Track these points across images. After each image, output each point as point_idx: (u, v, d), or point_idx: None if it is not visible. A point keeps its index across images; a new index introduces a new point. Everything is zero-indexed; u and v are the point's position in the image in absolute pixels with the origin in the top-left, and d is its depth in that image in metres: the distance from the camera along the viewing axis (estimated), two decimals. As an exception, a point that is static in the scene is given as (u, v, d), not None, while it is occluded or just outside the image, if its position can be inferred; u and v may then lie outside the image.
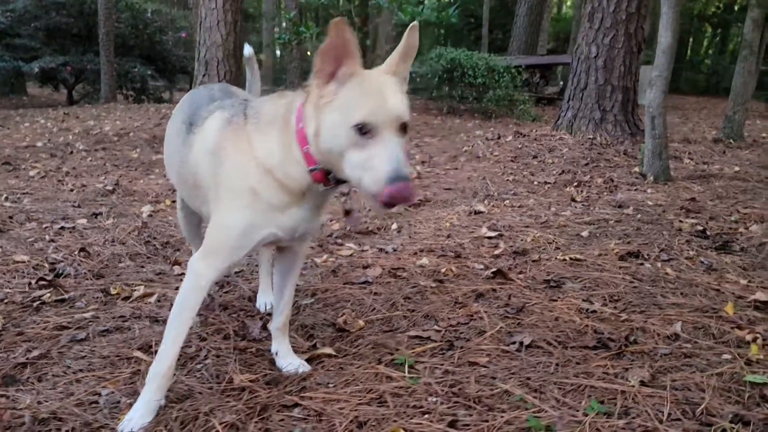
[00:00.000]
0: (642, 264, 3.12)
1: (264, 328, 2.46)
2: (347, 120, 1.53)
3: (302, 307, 2.68)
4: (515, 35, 19.77)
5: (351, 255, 3.46)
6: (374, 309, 2.59)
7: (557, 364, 2.03)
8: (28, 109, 13.54)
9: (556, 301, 2.61)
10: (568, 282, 2.85)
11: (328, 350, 2.20)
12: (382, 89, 1.57)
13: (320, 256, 3.33)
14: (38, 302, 2.77)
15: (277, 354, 2.15)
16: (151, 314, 2.63)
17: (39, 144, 8.13)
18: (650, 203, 4.59)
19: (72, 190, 5.32)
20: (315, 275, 3.10)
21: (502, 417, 1.70)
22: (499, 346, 2.18)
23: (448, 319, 2.45)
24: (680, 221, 4.00)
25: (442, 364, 2.05)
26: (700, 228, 3.77)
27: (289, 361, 2.11)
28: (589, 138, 6.97)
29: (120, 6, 17.60)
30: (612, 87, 7.10)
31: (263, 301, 2.74)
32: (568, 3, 36.85)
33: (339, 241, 3.79)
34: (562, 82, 18.60)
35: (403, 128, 1.56)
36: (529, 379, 1.94)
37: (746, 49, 8.28)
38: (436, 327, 2.36)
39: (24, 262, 3.31)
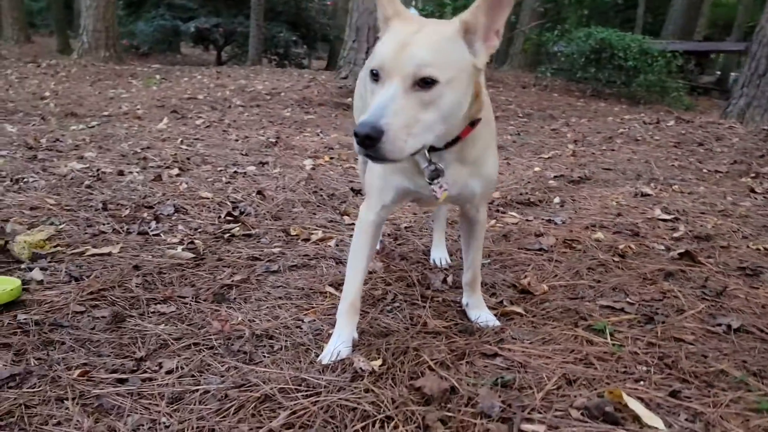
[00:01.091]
0: None
1: (444, 281, 2.48)
2: (367, 65, 1.51)
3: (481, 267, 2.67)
4: (671, 18, 18.61)
5: (517, 223, 3.41)
6: (556, 275, 2.54)
7: (770, 351, 1.90)
8: (183, 66, 14.38)
9: (757, 288, 2.43)
10: (766, 272, 2.65)
11: (517, 308, 2.18)
12: (407, 38, 1.39)
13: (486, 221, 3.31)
14: (228, 234, 2.95)
15: (467, 306, 2.16)
16: (334, 256, 2.72)
17: (200, 97, 8.63)
18: None
19: (237, 140, 5.61)
20: (485, 237, 3.08)
21: (725, 395, 1.62)
22: (704, 326, 2.06)
23: (639, 293, 2.35)
24: None
25: (644, 336, 1.97)
26: None
27: (480, 313, 2.11)
28: (764, 129, 6.44)
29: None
30: (795, 75, 6.51)
31: (437, 256, 2.76)
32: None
33: (500, 209, 3.75)
34: (719, 72, 17.33)
35: (423, 82, 1.35)
36: (745, 362, 1.82)
37: None
38: (628, 300, 2.27)
39: (209, 198, 3.53)
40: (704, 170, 5.18)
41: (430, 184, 1.67)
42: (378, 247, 2.80)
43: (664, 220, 3.53)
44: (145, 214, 3.15)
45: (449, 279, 2.49)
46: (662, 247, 3.00)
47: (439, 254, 2.77)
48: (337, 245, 2.91)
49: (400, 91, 1.36)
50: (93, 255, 2.53)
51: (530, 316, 2.14)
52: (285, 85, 9.88)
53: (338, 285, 2.36)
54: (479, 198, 1.88)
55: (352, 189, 4.03)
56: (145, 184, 3.73)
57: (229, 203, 3.49)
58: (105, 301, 2.13)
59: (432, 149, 1.62)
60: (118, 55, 13.56)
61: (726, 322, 2.06)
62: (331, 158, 5.06)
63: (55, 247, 2.57)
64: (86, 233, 2.80)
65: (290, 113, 7.80)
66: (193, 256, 2.59)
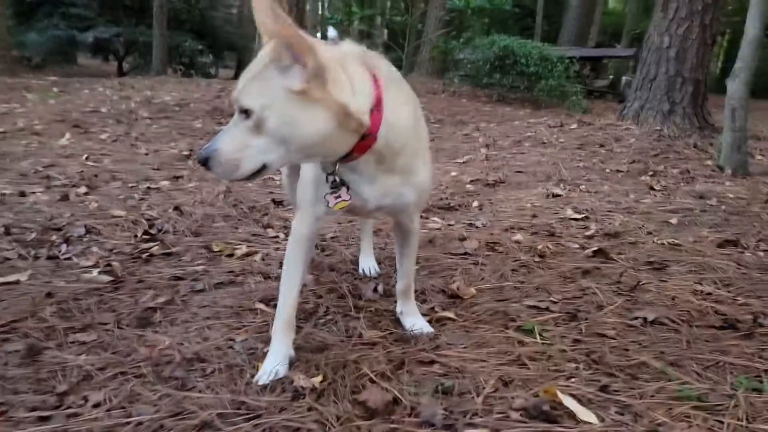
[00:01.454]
0: (742, 252, 3.07)
1: (375, 290, 2.49)
2: None
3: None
4: (566, 26, 19.51)
5: (440, 228, 3.47)
6: (483, 278, 2.60)
7: (688, 341, 2.01)
8: (81, 78, 13.74)
9: (665, 281, 2.58)
10: (672, 265, 2.82)
11: (448, 314, 2.22)
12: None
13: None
14: (147, 254, 2.84)
15: (402, 314, 2.17)
16: (261, 270, 2.67)
17: (103, 110, 8.26)
18: (731, 195, 4.50)
19: (147, 154, 5.41)
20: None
21: (649, 386, 1.70)
22: (623, 320, 2.16)
23: (561, 292, 2.44)
24: (766, 212, 3.93)
25: (569, 333, 2.05)
26: (795, 221, 3.69)
27: (414, 321, 2.12)
28: (657, 129, 6.85)
29: (173, -20, 17.74)
30: (683, 79, 6.95)
31: (366, 266, 2.76)
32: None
33: (423, 214, 3.80)
34: (612, 76, 18.30)
35: (243, 111, 1.45)
36: (662, 353, 1.92)
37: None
38: (551, 299, 2.36)
39: (122, 216, 3.39)
40: (607, 170, 5.45)
41: (330, 194, 1.70)
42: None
43: (576, 220, 3.69)
44: (54, 237, 2.98)
45: (380, 288, 2.50)
46: (576, 246, 3.13)
47: (368, 263, 2.77)
48: (263, 259, 2.86)
49: (234, 121, 1.49)
50: (-1, 284, 2.37)
51: (462, 321, 2.18)
52: (194, 95, 9.63)
53: (269, 301, 2.32)
54: (413, 207, 1.88)
55: (273, 201, 3.97)
56: (51, 204, 3.53)
57: (144, 221, 3.36)
58: (17, 333, 1.99)
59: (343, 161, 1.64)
60: (9, 67, 12.80)
61: (642, 315, 2.18)
62: (248, 170, 4.96)
63: (-46, 278, 2.39)
64: (-11, 260, 2.62)
65: (201, 125, 7.60)
66: (111, 279, 2.48)
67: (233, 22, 21.09)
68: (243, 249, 2.98)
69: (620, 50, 18.95)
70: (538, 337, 2.00)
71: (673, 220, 3.71)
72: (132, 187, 4.13)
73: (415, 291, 2.46)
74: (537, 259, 2.85)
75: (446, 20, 17.88)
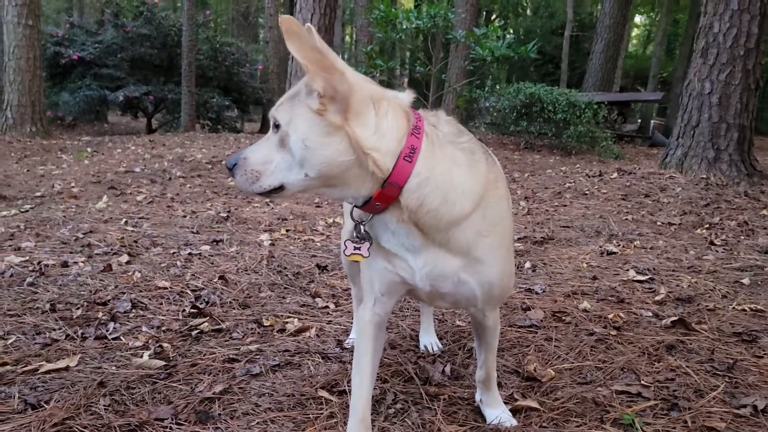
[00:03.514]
0: (831, 318, 2.85)
1: (443, 372, 2.31)
2: None
3: (473, 350, 2.51)
4: (591, 71, 19.49)
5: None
6: (559, 357, 2.41)
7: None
8: (112, 136, 13.95)
9: (761, 357, 2.37)
10: (763, 336, 2.60)
11: (531, 403, 2.03)
12: None
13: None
14: (197, 331, 2.70)
15: (482, 402, 1.99)
16: (318, 350, 2.51)
17: (137, 170, 8.30)
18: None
19: (185, 216, 5.34)
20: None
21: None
22: (729, 409, 1.96)
23: (650, 373, 2.24)
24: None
25: (674, 428, 1.84)
26: None
27: (496, 413, 1.94)
28: (703, 178, 6.65)
29: (200, 39, 18.12)
30: (727, 125, 6.78)
31: (427, 342, 2.59)
32: (634, 41, 36.37)
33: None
34: (640, 120, 18.16)
35: (275, 125, 1.50)
36: (784, 448, 1.72)
37: None
38: (642, 382, 2.16)
39: (167, 288, 3.27)
40: (658, 223, 5.25)
41: (352, 241, 1.60)
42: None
43: (640, 281, 3.49)
44: (100, 314, 2.86)
45: (447, 369, 2.32)
46: (650, 314, 2.93)
47: (430, 339, 2.60)
48: (318, 335, 2.70)
49: (268, 134, 1.52)
50: (48, 371, 2.23)
51: (547, 411, 1.99)
52: (225, 152, 9.66)
53: (331, 387, 2.16)
54: (482, 302, 1.66)
55: (317, 266, 3.84)
56: (94, 275, 3.43)
57: (189, 292, 3.24)
58: (71, 432, 1.85)
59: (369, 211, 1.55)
60: (45, 129, 13.01)
61: (750, 403, 1.97)
62: (288, 231, 4.86)
63: (2, 365, 2.26)
64: (36, 343, 2.49)
65: (234, 182, 7.56)
66: (164, 363, 2.33)
67: (258, 78, 21.40)
68: (294, 323, 2.83)
69: (647, 94, 18.85)
70: (640, 432, 1.80)
71: (745, 280, 3.49)
72: (173, 253, 4.02)
73: (463, 366, 2.29)
74: (613, 332, 2.65)
75: (470, 69, 17.95)
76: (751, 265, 3.87)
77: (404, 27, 14.65)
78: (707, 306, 3.00)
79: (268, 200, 2.23)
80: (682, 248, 4.37)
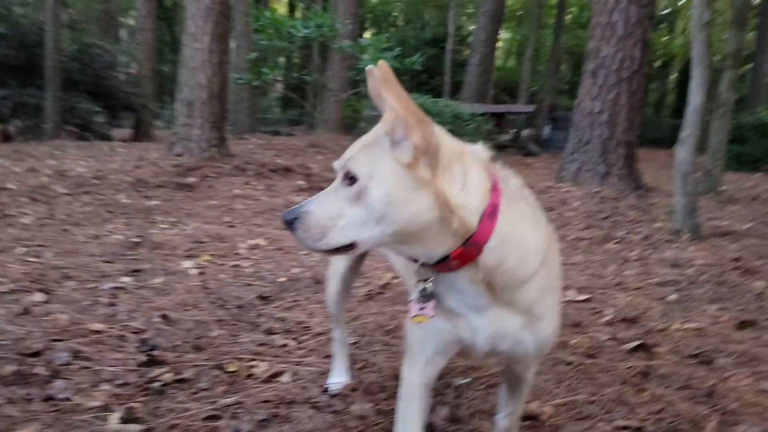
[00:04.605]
0: (763, 334, 3.09)
1: (445, 418, 2.24)
2: None
3: (461, 388, 2.47)
4: (467, 83, 20.26)
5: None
6: (549, 392, 2.42)
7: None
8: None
9: (727, 379, 2.52)
10: (717, 357, 2.77)
11: (545, 444, 2.02)
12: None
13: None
14: (158, 383, 2.44)
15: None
16: (303, 399, 2.36)
17: (12, 186, 7.51)
18: (700, 262, 4.64)
19: (88, 242, 4.88)
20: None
21: None
22: (730, 437, 2.05)
23: (640, 404, 2.31)
24: (747, 281, 4.05)
25: (690, 462, 1.90)
26: (782, 292, 3.81)
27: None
28: (596, 191, 7.08)
29: (65, 40, 16.84)
30: (616, 142, 7.28)
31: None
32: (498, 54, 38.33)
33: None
34: (514, 130, 19.10)
35: (348, 177, 1.37)
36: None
37: (723, 107, 8.70)
38: (638, 415, 2.22)
39: (103, 332, 2.95)
40: (569, 238, 5.50)
41: (415, 300, 1.50)
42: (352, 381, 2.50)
43: (583, 302, 3.62)
44: (37, 369, 2.51)
45: (445, 412, 2.26)
46: (607, 337, 3.04)
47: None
48: (294, 381, 2.54)
49: (334, 186, 1.41)
50: (5, 449, 1.93)
51: (562, 452, 1.98)
52: (111, 165, 9.00)
53: (337, 443, 2.02)
54: (531, 358, 1.63)
55: (260, 296, 3.65)
56: (11, 320, 3.03)
57: (130, 335, 2.94)
58: None
59: (424, 265, 1.45)
60: None
61: (743, 431, 2.08)
62: (211, 256, 4.58)
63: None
64: (-25, 412, 2.14)
65: (129, 200, 7.05)
66: (141, 428, 2.09)
67: (132, 83, 20.18)
68: (262, 367, 2.65)
69: (522, 106, 19.88)
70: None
71: (672, 296, 3.73)
72: (92, 288, 3.65)
73: (483, 412, 2.26)
74: (587, 360, 2.71)
75: (355, 80, 18.02)
76: (669, 280, 4.15)
77: (292, 35, 14.46)
78: (655, 326, 3.16)
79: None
80: (600, 264, 4.60)
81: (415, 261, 1.45)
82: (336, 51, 16.61)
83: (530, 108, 17.99)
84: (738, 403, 2.30)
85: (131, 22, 38.37)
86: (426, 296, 1.48)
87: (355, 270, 2.36)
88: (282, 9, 34.43)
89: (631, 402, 2.33)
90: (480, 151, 1.46)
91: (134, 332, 2.98)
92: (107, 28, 28.95)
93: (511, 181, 1.49)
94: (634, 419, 2.18)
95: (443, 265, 1.40)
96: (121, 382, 2.45)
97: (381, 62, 1.34)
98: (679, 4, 28.42)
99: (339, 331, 2.50)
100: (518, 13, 29.45)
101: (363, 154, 1.39)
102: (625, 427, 2.14)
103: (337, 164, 1.43)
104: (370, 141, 1.41)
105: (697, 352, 2.82)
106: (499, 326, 1.48)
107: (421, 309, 1.48)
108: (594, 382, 2.51)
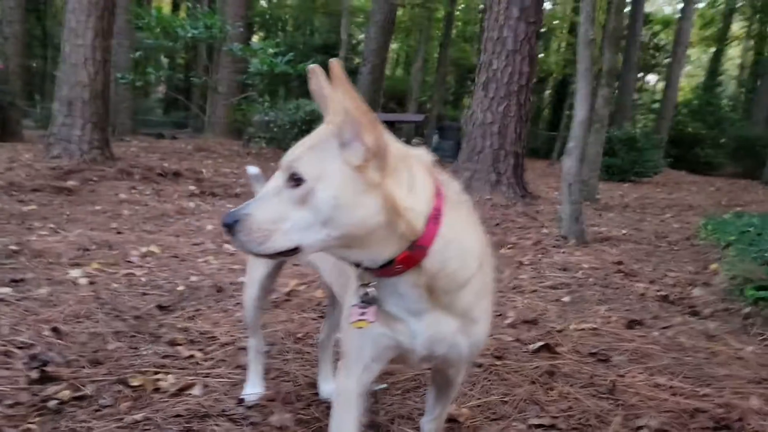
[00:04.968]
0: (649, 332, 3.33)
1: (367, 425, 2.23)
2: None
3: (377, 394, 2.48)
4: (359, 91, 20.39)
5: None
6: (465, 394, 2.47)
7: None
8: None
9: (623, 376, 2.68)
10: (612, 355, 2.95)
11: (466, 446, 2.06)
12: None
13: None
14: (54, 402, 2.26)
15: (426, 455, 1.96)
16: (217, 411, 2.27)
17: None
18: (586, 266, 4.93)
19: (-43, 250, 4.45)
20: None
21: None
22: None
23: (550, 402, 2.41)
24: (630, 283, 4.36)
25: (601, 455, 2.01)
26: (661, 293, 4.12)
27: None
28: (487, 198, 7.36)
29: None
30: (506, 152, 7.60)
31: (329, 390, 2.48)
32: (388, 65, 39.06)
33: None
34: (404, 139, 19.47)
35: (293, 179, 1.33)
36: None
37: (599, 122, 9.31)
38: (550, 413, 2.31)
39: (-17, 347, 2.70)
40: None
41: (357, 306, 1.48)
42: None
43: (485, 306, 3.73)
44: None
45: (364, 420, 2.25)
46: (511, 339, 3.15)
47: (331, 387, 2.49)
48: (204, 394, 2.43)
49: (275, 187, 1.37)
50: None
51: (482, 453, 2.03)
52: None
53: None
54: (464, 362, 1.67)
55: (158, 306, 3.47)
56: None
57: (16, 350, 2.71)
58: None
59: (367, 269, 1.43)
60: None
61: (644, 424, 2.22)
62: (100, 264, 4.31)
63: None
64: None
65: (1, 204, 6.51)
66: (41, 452, 1.92)
67: (-1, 78, 18.61)
68: (169, 380, 2.52)
69: (412, 115, 20.32)
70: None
71: (566, 298, 3.93)
72: (-33, 300, 3.33)
73: (402, 416, 2.28)
74: (497, 362, 2.79)
75: (243, 83, 17.65)
76: (560, 282, 4.38)
77: (179, 35, 13.99)
78: (554, 327, 3.32)
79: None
80: (497, 268, 4.76)
81: (357, 265, 1.43)
82: (226, 53, 16.24)
83: (420, 117, 18.42)
84: (637, 397, 2.46)
85: (-4, 12, 35.60)
86: (367, 301, 1.46)
87: (273, 277, 2.31)
88: (165, 7, 33.19)
89: (542, 400, 2.42)
90: (423, 154, 1.47)
91: (20, 347, 2.74)
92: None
93: (451, 185, 1.51)
94: (547, 417, 2.27)
95: (387, 269, 1.39)
96: (11, 401, 2.25)
97: (333, 61, 1.31)
98: (554, 23, 30.14)
99: (254, 340, 2.43)
100: (406, 25, 30.09)
101: (310, 155, 1.35)
102: (539, 425, 2.22)
103: (282, 164, 1.38)
104: (316, 142, 1.37)
105: (594, 350, 2.98)
106: (437, 330, 1.49)
107: (362, 314, 1.46)
108: (505, 382, 2.59)
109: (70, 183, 7.72)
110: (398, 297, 1.46)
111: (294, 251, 1.35)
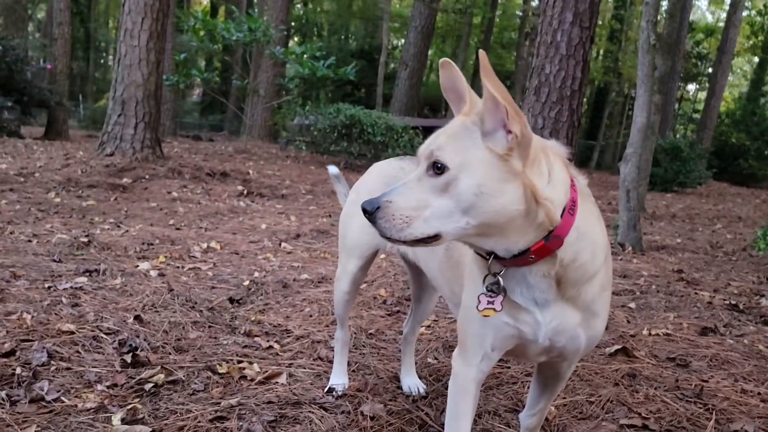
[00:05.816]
0: (724, 339, 3.28)
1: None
2: None
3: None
4: (397, 96, 20.48)
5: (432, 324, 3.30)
6: (548, 390, 2.47)
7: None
8: None
9: (706, 381, 2.65)
10: (691, 360, 2.92)
11: (559, 442, 2.06)
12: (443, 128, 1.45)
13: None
14: (150, 385, 2.32)
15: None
16: (307, 400, 2.30)
17: (-74, 180, 6.98)
18: (646, 273, 4.88)
19: (30, 241, 4.59)
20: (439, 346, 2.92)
21: None
22: (732, 436, 2.17)
23: (638, 404, 2.39)
24: (695, 293, 4.30)
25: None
26: (728, 301, 4.06)
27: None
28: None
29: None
30: (557, 158, 7.53)
31: (410, 383, 2.50)
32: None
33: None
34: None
35: (435, 167, 1.33)
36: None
37: (649, 130, 9.20)
38: (641, 414, 2.29)
39: (73, 332, 2.78)
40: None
41: (485, 295, 1.48)
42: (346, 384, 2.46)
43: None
44: (13, 368, 2.33)
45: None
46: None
47: (413, 381, 2.52)
48: (290, 383, 2.47)
49: (416, 176, 1.38)
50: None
51: (577, 448, 2.03)
52: (36, 163, 8.49)
53: (357, 442, 1.99)
54: (581, 355, 1.66)
55: (230, 299, 3.54)
56: (-32, 319, 2.80)
57: (104, 336, 2.78)
58: None
59: (498, 258, 1.43)
60: None
61: (740, 428, 2.19)
62: (166, 258, 4.41)
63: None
64: (-44, 415, 1.96)
65: (61, 199, 6.69)
66: (150, 430, 1.98)
67: (45, 78, 19.16)
68: (254, 368, 2.57)
69: (449, 120, 20.35)
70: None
71: (632, 305, 3.89)
72: (49, 288, 3.43)
73: (489, 412, 2.29)
74: (578, 363, 2.78)
75: (283, 87, 17.79)
76: (624, 289, 4.34)
77: (225, 38, 14.20)
78: (626, 332, 3.29)
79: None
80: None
81: (489, 255, 1.44)
82: (268, 56, 16.42)
83: (458, 123, 18.44)
84: (726, 402, 2.43)
85: (40, 15, 36.52)
86: (496, 291, 1.47)
87: (365, 271, 2.33)
88: (203, 8, 33.72)
89: (629, 402, 2.41)
90: (559, 146, 1.48)
91: (107, 333, 2.82)
92: (15, 21, 27.41)
93: (580, 178, 1.52)
94: (637, 417, 2.26)
95: (520, 258, 1.41)
96: (109, 383, 2.32)
97: (480, 51, 1.33)
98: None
99: (342, 333, 2.46)
100: (443, 31, 30.11)
101: (453, 144, 1.35)
102: (631, 425, 2.21)
103: (422, 152, 1.40)
104: (455, 131, 1.38)
105: (672, 356, 2.95)
106: (561, 322, 1.50)
107: (490, 303, 1.47)
108: (588, 383, 2.58)
109: (125, 180, 7.90)
110: (526, 287, 1.47)
111: (434, 239, 1.35)
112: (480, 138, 1.34)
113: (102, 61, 41.42)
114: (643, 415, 2.29)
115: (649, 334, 3.28)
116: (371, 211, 1.36)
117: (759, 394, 2.54)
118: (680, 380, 2.63)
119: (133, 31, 8.70)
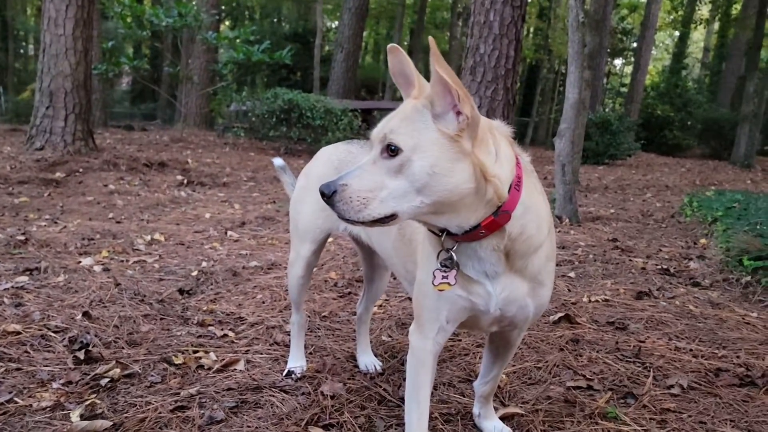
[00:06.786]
0: (658, 302, 3.48)
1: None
2: None
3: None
4: (334, 79, 20.36)
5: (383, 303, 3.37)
6: (499, 360, 2.58)
7: (732, 403, 2.22)
8: None
9: (643, 342, 2.82)
10: (628, 323, 3.08)
11: (513, 409, 2.16)
12: (395, 111, 1.51)
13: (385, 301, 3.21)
14: (106, 380, 2.31)
15: (480, 416, 2.06)
16: (267, 384, 2.34)
17: None
18: (583, 243, 5.08)
19: (-39, 241, 4.42)
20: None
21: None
22: (665, 391, 2.31)
23: (583, 367, 2.53)
24: (630, 260, 4.51)
25: (642, 414, 2.13)
26: (660, 266, 4.28)
27: (494, 424, 2.04)
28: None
29: None
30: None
31: (367, 361, 2.57)
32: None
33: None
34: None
35: (389, 150, 1.39)
36: (732, 421, 2.09)
37: (581, 104, 9.48)
38: (584, 375, 2.43)
39: (19, 332, 2.72)
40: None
41: (439, 270, 1.56)
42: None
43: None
44: (-40, 374, 2.28)
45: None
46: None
47: (369, 359, 2.58)
48: (248, 369, 2.50)
49: (371, 158, 1.43)
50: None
51: (531, 414, 2.14)
52: (-42, 160, 8.12)
53: (317, 423, 2.04)
54: (529, 323, 1.76)
55: (179, 290, 3.51)
56: None
57: (53, 334, 2.74)
58: None
59: (450, 235, 1.50)
60: None
61: (675, 383, 2.35)
62: (109, 252, 4.32)
63: None
64: None
65: (-9, 196, 6.43)
66: (111, 423, 1.97)
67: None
68: (211, 357, 2.59)
69: (389, 103, 20.35)
70: (633, 424, 2.05)
71: (572, 274, 4.06)
72: (-12, 288, 3.33)
73: (443, 384, 2.38)
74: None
75: (217, 72, 17.42)
76: (563, 260, 4.51)
77: (154, 24, 13.79)
78: (567, 300, 3.44)
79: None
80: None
81: (442, 232, 1.51)
82: (200, 42, 16.05)
83: (395, 104, 18.49)
84: (662, 360, 2.59)
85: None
86: (449, 265, 1.54)
87: (317, 255, 2.37)
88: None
89: (574, 365, 2.54)
90: (503, 126, 1.55)
91: (56, 331, 2.77)
92: None
93: (524, 156, 1.60)
94: (582, 379, 2.39)
95: (471, 234, 1.48)
96: (63, 381, 2.29)
97: (430, 38, 1.38)
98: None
99: (298, 316, 2.50)
100: (377, 12, 30.03)
101: (405, 127, 1.40)
102: (576, 387, 2.34)
103: (375, 135, 1.45)
104: (407, 114, 1.43)
105: (611, 320, 3.12)
106: (510, 292, 1.58)
107: (444, 277, 1.54)
108: (535, 350, 2.71)
109: (57, 175, 7.64)
110: (477, 261, 1.54)
111: (391, 218, 1.41)
112: (431, 120, 1.39)
113: (21, 51, 39.54)
114: (587, 376, 2.42)
115: (589, 301, 3.44)
116: (329, 194, 1.40)
117: (691, 350, 2.72)
118: (620, 342, 2.79)
119: (57, 20, 8.36)
